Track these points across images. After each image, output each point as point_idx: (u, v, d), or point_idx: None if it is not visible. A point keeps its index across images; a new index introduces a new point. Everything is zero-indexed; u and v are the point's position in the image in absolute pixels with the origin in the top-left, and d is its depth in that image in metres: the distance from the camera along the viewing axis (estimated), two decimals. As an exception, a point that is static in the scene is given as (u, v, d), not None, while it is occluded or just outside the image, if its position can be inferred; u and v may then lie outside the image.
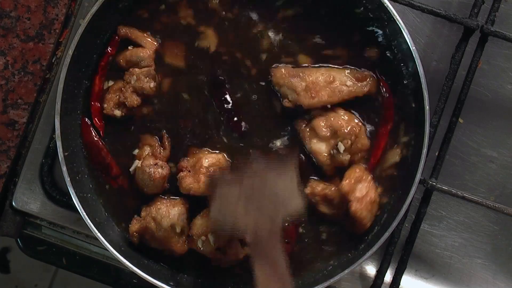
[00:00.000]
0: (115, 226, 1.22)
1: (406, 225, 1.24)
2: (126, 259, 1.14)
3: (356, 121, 1.19)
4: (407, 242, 1.24)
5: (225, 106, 1.20)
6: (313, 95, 1.17)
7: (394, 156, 1.21)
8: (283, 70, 1.19)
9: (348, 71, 1.20)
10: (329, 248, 1.22)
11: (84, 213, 1.14)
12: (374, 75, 1.20)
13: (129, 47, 1.21)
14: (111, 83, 1.21)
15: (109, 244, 1.14)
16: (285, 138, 1.21)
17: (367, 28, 1.20)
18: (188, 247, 1.18)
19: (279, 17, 1.21)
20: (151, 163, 1.17)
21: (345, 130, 1.17)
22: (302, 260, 1.22)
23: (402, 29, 1.15)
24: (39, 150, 1.28)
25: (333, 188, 1.18)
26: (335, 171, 1.20)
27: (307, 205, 1.13)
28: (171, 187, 1.20)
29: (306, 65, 1.21)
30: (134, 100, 1.18)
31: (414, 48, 1.14)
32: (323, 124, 1.17)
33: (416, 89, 1.16)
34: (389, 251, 1.23)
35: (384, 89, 1.20)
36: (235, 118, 1.20)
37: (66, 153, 1.15)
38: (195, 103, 1.21)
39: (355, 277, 1.29)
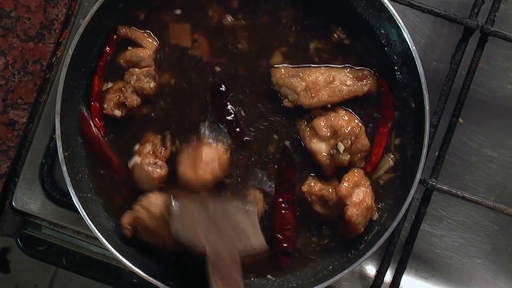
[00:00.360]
0: (115, 226, 1.22)
1: (406, 225, 1.24)
2: (126, 259, 1.14)
3: (356, 121, 1.19)
4: (407, 242, 1.24)
5: (227, 117, 1.20)
6: (313, 95, 1.17)
7: (387, 161, 1.21)
8: (282, 70, 1.19)
9: (348, 70, 1.20)
10: (329, 248, 1.22)
11: (84, 213, 1.14)
12: (373, 74, 1.20)
13: (129, 47, 1.21)
14: (110, 84, 1.21)
15: (109, 244, 1.14)
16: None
17: (367, 28, 1.20)
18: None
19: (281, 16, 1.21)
20: (151, 161, 1.17)
21: (345, 130, 1.17)
22: (301, 260, 1.23)
23: (402, 29, 1.15)
24: (39, 150, 1.28)
25: (330, 190, 1.18)
26: (335, 171, 1.20)
27: (268, 238, 1.14)
28: (166, 187, 1.20)
29: (306, 64, 1.21)
30: (134, 100, 1.18)
31: (414, 48, 1.14)
32: (323, 124, 1.18)
33: (416, 89, 1.16)
34: (389, 251, 1.23)
35: (383, 88, 1.20)
36: (237, 129, 1.20)
37: (66, 153, 1.15)
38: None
39: (355, 277, 1.29)
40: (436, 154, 1.23)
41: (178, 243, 1.09)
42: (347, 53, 1.21)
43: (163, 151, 1.19)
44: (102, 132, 1.21)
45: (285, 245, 1.21)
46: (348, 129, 1.17)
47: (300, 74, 1.18)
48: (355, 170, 1.20)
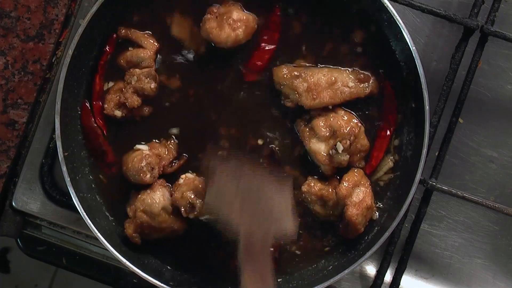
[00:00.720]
0: (115, 226, 1.22)
1: (406, 225, 1.24)
2: (126, 259, 1.14)
3: (356, 121, 1.19)
4: (407, 242, 1.24)
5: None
6: (314, 96, 1.17)
7: (387, 162, 1.21)
8: (284, 69, 1.19)
9: (350, 71, 1.20)
10: (329, 248, 1.22)
11: (84, 213, 1.14)
12: (375, 76, 1.20)
13: (130, 48, 1.21)
14: (111, 84, 1.21)
15: (109, 244, 1.14)
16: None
17: (367, 28, 1.20)
18: (187, 220, 1.17)
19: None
20: (147, 162, 1.16)
21: (344, 131, 1.17)
22: (301, 260, 1.23)
23: (402, 29, 1.15)
24: (39, 150, 1.28)
25: (330, 190, 1.18)
26: (334, 172, 1.20)
27: (298, 226, 1.15)
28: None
29: (308, 64, 1.20)
30: (134, 100, 1.18)
31: (414, 48, 1.14)
32: (322, 124, 1.17)
33: (416, 89, 1.16)
34: (389, 251, 1.23)
35: (388, 92, 1.20)
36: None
37: (66, 153, 1.15)
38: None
39: (355, 277, 1.29)
40: (436, 154, 1.23)
41: (210, 219, 1.08)
42: (349, 54, 1.21)
43: (166, 152, 1.19)
44: (104, 131, 1.21)
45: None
46: (347, 129, 1.17)
47: (303, 74, 1.18)
48: (355, 170, 1.20)
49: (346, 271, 1.14)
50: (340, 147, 1.16)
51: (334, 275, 1.15)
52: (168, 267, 1.22)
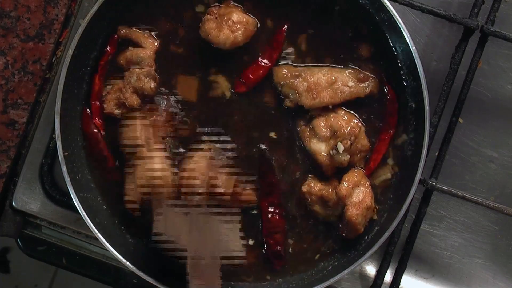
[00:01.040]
0: (115, 226, 1.22)
1: (406, 225, 1.24)
2: (126, 259, 1.14)
3: (356, 121, 1.19)
4: (407, 242, 1.24)
5: None
6: (314, 96, 1.17)
7: (385, 172, 1.21)
8: (284, 69, 1.19)
9: (350, 71, 1.20)
10: (329, 247, 1.22)
11: (84, 213, 1.14)
12: (375, 76, 1.20)
13: (130, 48, 1.21)
14: (109, 87, 1.21)
15: (109, 244, 1.14)
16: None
17: (367, 29, 1.20)
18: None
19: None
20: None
21: (345, 131, 1.17)
22: (301, 260, 1.23)
23: (402, 29, 1.15)
24: (39, 150, 1.28)
25: (330, 190, 1.18)
26: (334, 172, 1.20)
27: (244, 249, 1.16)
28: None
29: (309, 64, 1.20)
30: (134, 100, 1.18)
31: (414, 48, 1.14)
32: (322, 124, 1.17)
33: (416, 89, 1.16)
34: (389, 251, 1.23)
35: (389, 95, 1.20)
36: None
37: (66, 153, 1.15)
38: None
39: (355, 277, 1.29)
40: (436, 154, 1.23)
41: (159, 244, 1.09)
42: (355, 56, 1.21)
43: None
44: (102, 132, 1.21)
45: (277, 248, 1.21)
46: (348, 129, 1.17)
47: (303, 74, 1.18)
48: (355, 170, 1.20)
49: (346, 271, 1.14)
50: (340, 147, 1.16)
51: (334, 275, 1.15)
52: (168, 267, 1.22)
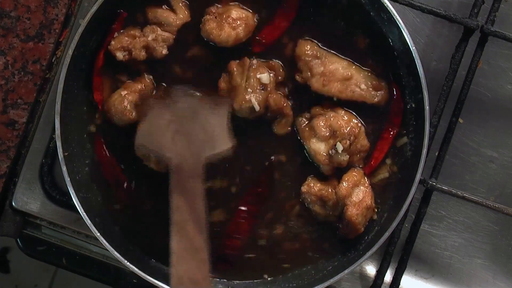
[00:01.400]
0: (115, 226, 1.22)
1: (406, 225, 1.24)
2: (126, 259, 1.14)
3: (356, 121, 1.19)
4: (407, 242, 1.24)
5: None
6: (325, 83, 1.17)
7: (383, 171, 1.21)
8: (308, 46, 1.19)
9: (368, 74, 1.19)
10: (329, 248, 1.22)
11: (84, 213, 1.14)
12: (387, 87, 1.20)
13: (164, 6, 1.20)
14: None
15: (109, 244, 1.14)
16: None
17: (367, 28, 1.20)
18: None
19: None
20: (129, 101, 1.16)
21: (344, 130, 1.17)
22: (301, 260, 1.23)
23: (402, 29, 1.15)
24: (39, 150, 1.28)
25: (330, 190, 1.18)
26: (334, 172, 1.20)
27: (233, 147, 1.12)
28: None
29: (332, 51, 1.20)
30: (141, 55, 1.17)
31: (414, 48, 1.14)
32: (322, 123, 1.17)
33: (416, 89, 1.16)
34: (389, 251, 1.23)
35: (395, 95, 1.20)
36: None
37: (66, 153, 1.15)
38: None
39: (355, 277, 1.29)
40: (436, 154, 1.23)
41: (142, 153, 1.09)
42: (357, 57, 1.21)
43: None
44: (99, 105, 1.20)
45: (227, 252, 1.21)
46: (347, 129, 1.17)
47: (323, 58, 1.18)
48: (355, 170, 1.20)
49: (346, 271, 1.14)
50: (340, 147, 1.16)
51: (334, 275, 1.15)
52: (168, 267, 1.22)
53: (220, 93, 1.18)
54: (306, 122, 1.20)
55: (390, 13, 1.15)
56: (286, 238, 1.23)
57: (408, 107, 1.19)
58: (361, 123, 1.19)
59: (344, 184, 1.17)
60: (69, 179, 1.14)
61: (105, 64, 1.20)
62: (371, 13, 1.18)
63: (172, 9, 1.20)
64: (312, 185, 1.19)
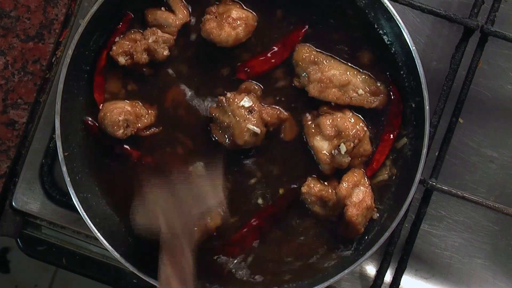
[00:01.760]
0: (115, 226, 1.22)
1: (406, 225, 1.24)
2: (126, 259, 1.14)
3: (362, 125, 1.19)
4: (407, 242, 1.24)
5: None
6: (322, 89, 1.17)
7: (382, 173, 1.21)
8: (306, 50, 1.19)
9: (366, 78, 1.19)
10: (329, 248, 1.22)
11: (84, 213, 1.14)
12: (386, 91, 1.20)
13: (162, 8, 1.20)
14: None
15: (109, 244, 1.14)
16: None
17: (367, 28, 1.20)
18: None
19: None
20: (125, 118, 1.16)
21: (350, 133, 1.16)
22: (301, 260, 1.23)
23: (402, 29, 1.15)
24: (39, 150, 1.28)
25: (330, 190, 1.18)
26: (333, 172, 1.20)
27: (227, 200, 1.15)
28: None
29: (330, 54, 1.20)
30: (142, 58, 1.18)
31: (414, 48, 1.14)
32: (328, 123, 1.17)
33: (416, 89, 1.16)
34: (389, 251, 1.23)
35: (393, 96, 1.20)
36: None
37: (66, 153, 1.15)
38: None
39: (355, 277, 1.29)
40: (436, 154, 1.23)
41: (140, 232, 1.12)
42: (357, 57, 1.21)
43: (141, 124, 1.19)
44: (99, 105, 1.20)
45: (225, 257, 1.21)
46: (353, 132, 1.17)
47: (320, 64, 1.18)
48: (355, 170, 1.19)
49: (346, 271, 1.14)
50: (343, 148, 1.16)
51: (334, 275, 1.15)
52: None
53: (215, 143, 1.19)
54: (313, 119, 1.20)
55: (390, 13, 1.15)
56: (286, 238, 1.23)
57: (408, 107, 1.19)
58: (367, 127, 1.19)
59: (344, 185, 1.17)
60: (69, 179, 1.14)
61: (114, 66, 1.20)
62: (371, 14, 1.18)
63: (171, 10, 1.20)
64: (312, 185, 1.19)
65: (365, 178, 1.19)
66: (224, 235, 1.21)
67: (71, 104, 1.18)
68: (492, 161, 1.29)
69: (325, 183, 1.20)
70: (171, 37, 1.19)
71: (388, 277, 1.25)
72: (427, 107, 1.14)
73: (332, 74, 1.18)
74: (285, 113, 1.20)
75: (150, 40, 1.18)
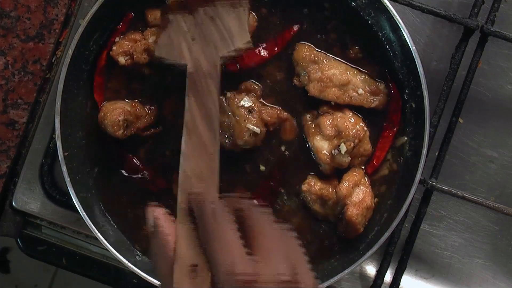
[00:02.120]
0: (115, 226, 1.22)
1: (406, 225, 1.24)
2: (126, 259, 1.14)
3: (362, 125, 1.19)
4: (407, 242, 1.24)
5: None
6: (322, 89, 1.17)
7: (383, 168, 1.21)
8: (306, 49, 1.19)
9: (366, 77, 1.19)
10: (329, 248, 1.22)
11: (84, 213, 1.14)
12: (386, 91, 1.20)
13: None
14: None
15: (109, 244, 1.14)
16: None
17: (367, 28, 1.20)
18: None
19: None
20: (125, 118, 1.16)
21: (350, 132, 1.16)
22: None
23: (402, 29, 1.15)
24: (39, 150, 1.28)
25: (330, 189, 1.18)
26: (333, 172, 1.20)
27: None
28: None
29: (330, 54, 1.20)
30: (142, 57, 1.18)
31: (414, 48, 1.14)
32: (329, 122, 1.17)
33: (416, 89, 1.16)
34: (389, 251, 1.23)
35: (392, 92, 1.20)
36: None
37: (66, 153, 1.15)
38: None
39: (355, 277, 1.29)
40: (436, 154, 1.23)
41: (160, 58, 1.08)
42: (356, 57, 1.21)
43: (140, 124, 1.19)
44: (99, 105, 1.20)
45: None
46: (353, 132, 1.17)
47: (320, 63, 1.18)
48: (355, 170, 1.19)
49: (346, 271, 1.14)
50: (343, 148, 1.16)
51: (334, 275, 1.15)
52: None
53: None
54: (313, 119, 1.20)
55: (390, 13, 1.15)
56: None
57: (408, 107, 1.19)
58: (367, 127, 1.19)
59: (345, 184, 1.17)
60: (69, 179, 1.14)
61: (114, 66, 1.20)
62: (371, 13, 1.18)
63: None
64: (312, 183, 1.19)
65: (365, 178, 1.20)
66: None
67: (71, 104, 1.19)
68: (492, 161, 1.29)
69: (326, 181, 1.20)
70: None
71: (388, 277, 1.25)
72: (427, 107, 1.14)
73: (332, 73, 1.18)
74: (285, 113, 1.20)
75: (150, 40, 1.18)
